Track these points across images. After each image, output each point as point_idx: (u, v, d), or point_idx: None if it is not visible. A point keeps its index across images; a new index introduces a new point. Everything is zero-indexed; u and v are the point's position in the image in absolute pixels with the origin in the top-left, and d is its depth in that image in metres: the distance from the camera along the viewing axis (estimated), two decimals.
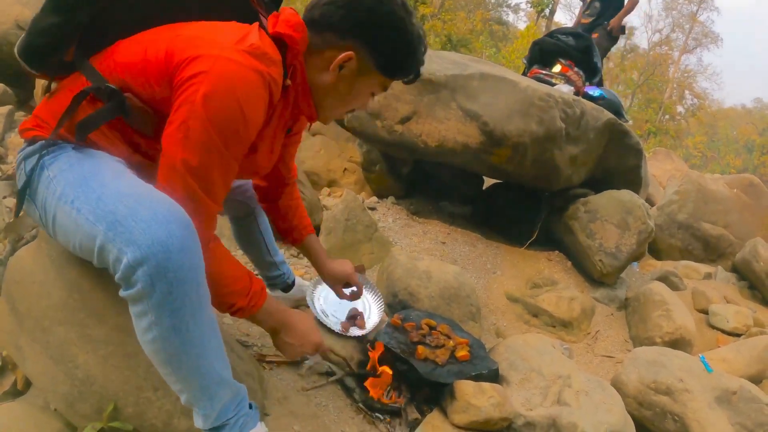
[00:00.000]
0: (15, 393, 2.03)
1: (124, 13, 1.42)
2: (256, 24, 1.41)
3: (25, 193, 1.39)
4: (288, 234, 2.07)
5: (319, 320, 2.19)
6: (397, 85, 3.34)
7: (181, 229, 1.20)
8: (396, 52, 1.47)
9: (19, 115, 6.66)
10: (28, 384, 1.99)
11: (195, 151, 1.27)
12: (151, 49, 1.32)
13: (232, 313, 1.50)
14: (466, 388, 1.92)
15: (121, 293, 1.21)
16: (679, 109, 36.98)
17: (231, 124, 1.28)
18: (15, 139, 5.97)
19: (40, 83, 6.13)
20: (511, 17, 39.02)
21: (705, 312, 4.04)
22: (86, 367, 1.58)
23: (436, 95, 3.34)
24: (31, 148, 1.39)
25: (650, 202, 6.71)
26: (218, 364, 1.35)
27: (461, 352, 2.10)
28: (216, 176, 1.33)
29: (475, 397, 1.89)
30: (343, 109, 1.59)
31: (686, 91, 37.20)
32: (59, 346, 1.61)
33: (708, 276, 5.10)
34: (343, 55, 1.42)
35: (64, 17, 1.37)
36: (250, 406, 1.48)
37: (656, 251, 5.98)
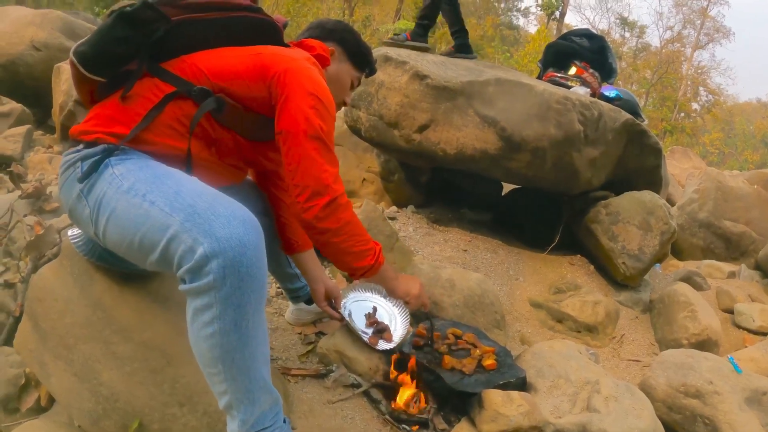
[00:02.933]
0: (39, 410, 2.07)
1: (192, 35, 1.68)
2: (301, 48, 1.90)
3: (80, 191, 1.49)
4: (287, 246, 2.20)
5: (353, 330, 2.20)
6: (413, 94, 3.38)
7: (255, 229, 1.34)
8: (358, 47, 2.11)
9: (38, 134, 6.77)
10: (51, 401, 2.01)
11: (323, 124, 1.64)
12: (238, 61, 1.66)
13: (363, 267, 1.81)
14: (494, 397, 1.91)
15: (184, 287, 1.30)
16: (694, 106, 36.67)
17: (330, 103, 1.69)
18: (34, 158, 6.07)
19: (58, 102, 6.22)
20: (521, 21, 39.09)
21: (730, 311, 3.95)
22: (111, 384, 1.60)
23: (453, 102, 3.34)
24: (91, 150, 1.50)
25: (670, 201, 6.64)
26: (265, 368, 1.42)
27: (488, 361, 2.09)
28: (332, 139, 1.71)
29: (503, 406, 1.87)
30: (338, 95, 2.04)
31: (700, 88, 36.89)
32: (83, 363, 1.63)
33: (731, 275, 5.01)
34: (330, 49, 2.02)
35: (141, 30, 1.56)
36: (284, 420, 1.50)
37: (678, 251, 5.91)
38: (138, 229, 1.36)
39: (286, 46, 1.86)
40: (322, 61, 1.92)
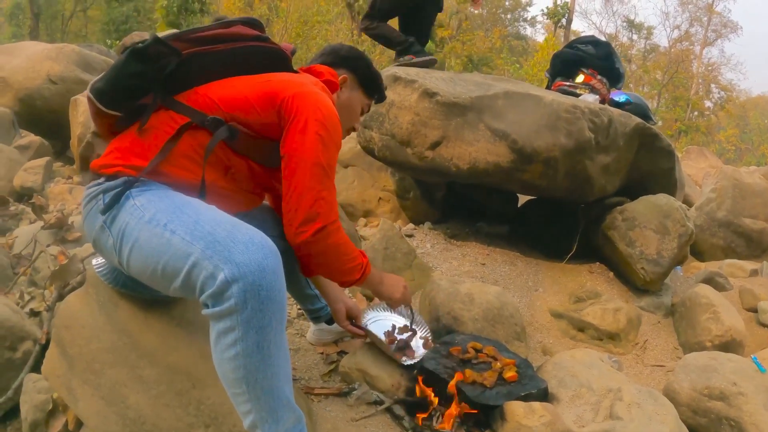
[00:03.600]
0: None
1: (203, 67, 1.75)
2: (311, 75, 1.97)
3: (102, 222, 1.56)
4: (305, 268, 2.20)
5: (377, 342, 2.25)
6: (424, 111, 3.43)
7: (273, 254, 1.40)
8: (369, 75, 2.18)
9: (57, 166, 6.90)
10: (79, 425, 2.07)
11: (325, 152, 1.70)
12: (248, 89, 1.72)
13: (351, 281, 1.89)
14: (516, 409, 1.93)
15: (207, 311, 1.36)
16: (707, 103, 36.34)
17: (335, 131, 1.75)
18: (55, 189, 6.17)
19: (76, 133, 6.35)
20: (528, 31, 39.13)
21: (754, 310, 3.92)
22: (138, 407, 1.65)
23: (464, 118, 3.38)
24: (112, 182, 1.57)
25: (688, 202, 6.59)
26: (287, 387, 1.46)
27: (509, 373, 2.11)
28: (334, 165, 1.77)
29: (525, 418, 1.89)
30: (348, 121, 2.13)
31: (712, 85, 36.55)
32: (111, 387, 1.68)
33: (754, 273, 4.95)
34: (342, 77, 2.08)
35: (154, 65, 1.63)
36: None
37: (699, 252, 5.85)
38: (160, 258, 1.43)
39: (295, 72, 1.92)
40: (331, 87, 1.97)
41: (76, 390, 1.76)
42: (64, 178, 6.68)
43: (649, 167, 3.96)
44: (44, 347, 2.56)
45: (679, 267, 4.62)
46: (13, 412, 2.53)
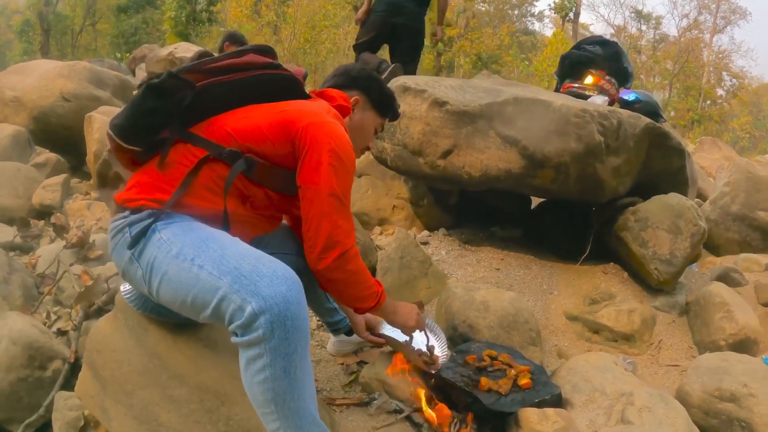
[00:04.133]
0: None
1: (218, 97, 1.83)
2: (324, 101, 2.03)
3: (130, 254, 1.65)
4: None
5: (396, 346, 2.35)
6: (434, 121, 3.49)
7: (296, 286, 1.50)
8: (381, 95, 2.25)
9: (74, 182, 7.02)
10: None
11: (340, 182, 1.77)
12: (263, 120, 1.80)
13: (366, 308, 1.96)
14: (530, 415, 2.00)
15: (236, 339, 1.46)
16: (720, 92, 35.89)
17: (349, 160, 1.82)
18: (73, 205, 6.25)
19: (92, 150, 6.46)
20: (536, 26, 38.99)
21: None
22: (169, 425, 1.74)
23: (474, 126, 3.43)
24: (137, 216, 1.66)
25: (702, 195, 6.60)
26: (312, 405, 1.56)
27: (523, 380, 2.18)
28: (349, 193, 1.85)
29: (539, 424, 1.96)
30: (361, 142, 2.21)
31: (723, 73, 36.12)
32: (143, 407, 1.77)
33: None
34: (354, 98, 2.16)
35: (170, 100, 1.72)
36: None
37: (714, 247, 5.86)
38: (189, 291, 1.52)
39: (308, 97, 1.99)
40: (343, 111, 2.06)
41: (110, 410, 1.86)
42: (82, 194, 6.78)
43: (661, 166, 3.98)
44: (73, 366, 2.66)
45: (694, 263, 4.65)
46: (44, 428, 2.61)
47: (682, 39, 35.27)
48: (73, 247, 4.16)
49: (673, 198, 3.65)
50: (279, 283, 1.46)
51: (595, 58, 4.61)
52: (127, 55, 21.69)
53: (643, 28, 37.76)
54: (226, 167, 1.75)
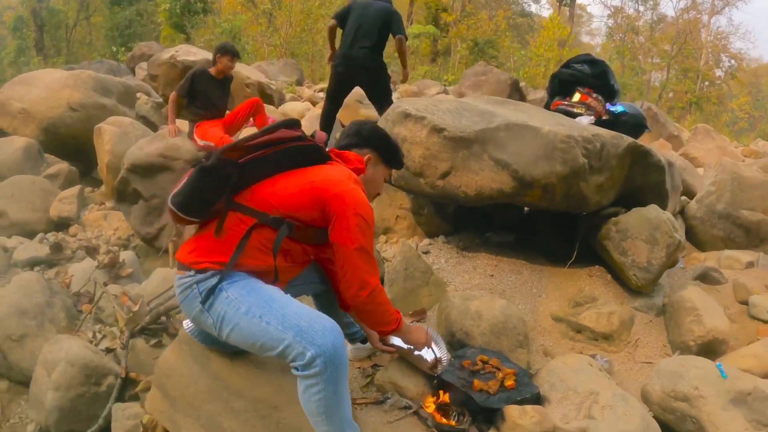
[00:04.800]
0: None
1: (258, 170, 2.23)
2: (344, 164, 2.42)
3: (202, 306, 2.13)
4: (343, 305, 2.75)
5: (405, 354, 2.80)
6: (434, 146, 3.89)
7: (340, 336, 2.02)
8: (389, 151, 2.64)
9: (87, 191, 7.29)
10: None
11: (364, 237, 2.20)
12: (297, 189, 2.20)
13: (388, 331, 2.44)
14: (512, 411, 2.48)
15: (298, 372, 2.00)
16: (718, 73, 35.66)
17: (370, 218, 2.24)
18: (90, 216, 6.64)
19: (104, 161, 6.81)
20: (533, 7, 38.74)
21: (746, 303, 4.21)
22: (231, 430, 2.24)
23: (469, 150, 3.83)
24: (202, 275, 2.13)
25: (690, 193, 6.85)
26: (348, 410, 2.13)
27: (509, 382, 2.64)
28: (372, 243, 2.27)
29: (519, 418, 2.44)
30: (374, 191, 2.64)
31: (722, 54, 35.96)
32: (209, 418, 2.27)
33: (750, 264, 5.15)
34: (367, 156, 2.55)
35: (218, 176, 2.14)
36: None
37: (700, 243, 6.10)
38: (258, 339, 2.05)
39: (330, 158, 2.40)
40: (359, 171, 2.48)
41: (179, 422, 2.36)
42: (97, 204, 7.07)
43: (642, 181, 4.34)
44: (124, 380, 3.12)
45: (680, 260, 4.96)
46: None
47: (680, 20, 35.13)
48: (105, 268, 4.54)
49: (652, 211, 4.01)
50: (328, 333, 1.98)
51: (582, 77, 4.96)
52: (123, 49, 21.80)
53: (641, 8, 37.53)
54: (271, 231, 2.18)
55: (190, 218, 2.21)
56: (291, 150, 2.29)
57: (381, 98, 5.76)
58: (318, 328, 1.99)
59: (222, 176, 2.14)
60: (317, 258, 2.68)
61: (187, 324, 2.56)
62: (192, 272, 2.15)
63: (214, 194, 2.16)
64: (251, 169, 2.21)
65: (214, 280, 2.09)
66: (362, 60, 5.61)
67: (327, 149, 2.44)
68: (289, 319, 2.01)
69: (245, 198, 2.22)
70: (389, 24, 5.60)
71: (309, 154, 2.33)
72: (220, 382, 2.33)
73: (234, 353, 2.44)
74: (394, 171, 2.77)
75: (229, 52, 5.81)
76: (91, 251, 5.46)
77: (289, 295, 2.17)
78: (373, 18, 5.59)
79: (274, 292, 2.13)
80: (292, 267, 2.35)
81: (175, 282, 2.22)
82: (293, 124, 2.37)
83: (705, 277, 4.63)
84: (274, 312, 2.04)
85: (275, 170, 2.26)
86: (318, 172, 2.29)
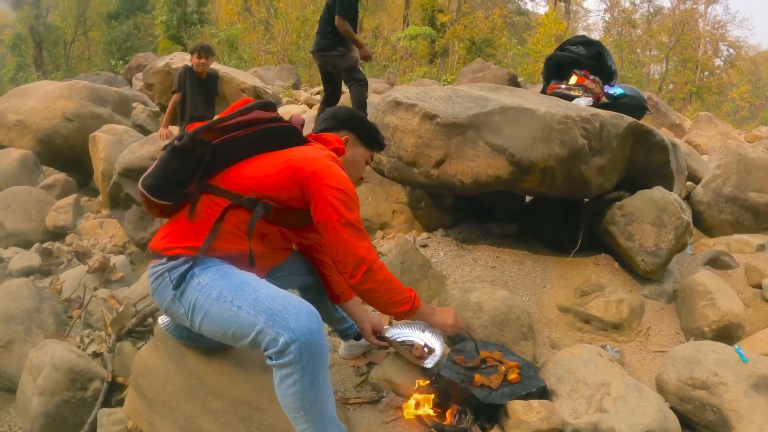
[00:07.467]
0: None
1: (231, 151, 2.11)
2: (323, 145, 2.30)
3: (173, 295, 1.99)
4: (333, 297, 2.65)
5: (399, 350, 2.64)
6: (426, 134, 3.72)
7: (317, 319, 1.86)
8: (367, 131, 2.54)
9: (84, 200, 7.27)
10: None
11: (350, 211, 2.07)
12: (273, 169, 2.08)
13: (403, 312, 2.25)
14: (517, 407, 2.27)
15: (271, 362, 1.84)
16: (717, 62, 35.61)
17: (352, 192, 2.12)
18: (86, 224, 6.63)
19: (99, 169, 6.75)
20: (529, 5, 38.73)
21: (759, 287, 4.10)
22: None
23: (463, 136, 3.66)
24: (174, 262, 2.00)
25: (695, 177, 6.73)
26: (332, 407, 1.94)
27: (512, 375, 2.43)
28: (359, 218, 2.13)
29: (525, 414, 2.23)
30: (356, 174, 2.50)
31: (720, 43, 35.86)
32: (186, 419, 2.11)
33: (761, 248, 5.07)
34: (344, 138, 2.43)
35: (192, 158, 2.03)
36: None
37: (708, 228, 5.99)
38: (230, 326, 1.89)
39: (307, 141, 2.27)
40: (338, 152, 2.32)
41: (156, 423, 2.19)
42: (93, 212, 7.09)
43: (645, 162, 4.18)
44: (111, 384, 2.98)
45: (689, 246, 4.82)
46: None
47: (677, 11, 35.05)
48: (96, 272, 4.44)
49: (657, 192, 3.85)
50: (304, 317, 1.82)
51: (579, 58, 4.78)
52: (121, 62, 21.88)
53: (637, 1, 37.45)
54: (246, 213, 2.05)
55: (161, 201, 2.08)
56: (266, 131, 2.18)
57: (351, 80, 5.89)
58: (292, 311, 1.83)
59: (194, 157, 2.03)
60: (300, 246, 2.55)
61: (162, 319, 2.42)
62: (164, 259, 2.03)
63: (186, 175, 2.05)
64: (225, 150, 2.10)
65: (185, 266, 1.96)
66: (315, 46, 6.02)
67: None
68: (262, 303, 1.86)
69: (219, 180, 2.11)
70: (333, 7, 5.77)
71: (285, 135, 2.22)
72: (196, 381, 2.18)
73: (212, 350, 2.29)
74: (387, 162, 2.63)
75: (195, 50, 6.06)
76: (82, 256, 5.35)
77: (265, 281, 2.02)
78: (326, 4, 5.91)
79: (249, 276, 1.98)
80: (270, 253, 2.21)
81: (147, 272, 2.10)
82: (268, 105, 2.26)
83: (716, 262, 4.49)
84: (246, 296, 1.89)
85: (250, 152, 2.15)
86: (295, 151, 2.17)
